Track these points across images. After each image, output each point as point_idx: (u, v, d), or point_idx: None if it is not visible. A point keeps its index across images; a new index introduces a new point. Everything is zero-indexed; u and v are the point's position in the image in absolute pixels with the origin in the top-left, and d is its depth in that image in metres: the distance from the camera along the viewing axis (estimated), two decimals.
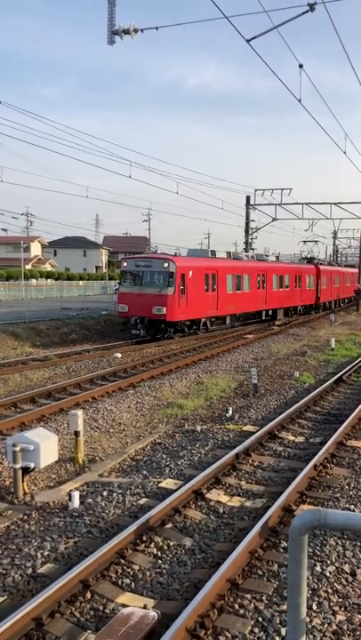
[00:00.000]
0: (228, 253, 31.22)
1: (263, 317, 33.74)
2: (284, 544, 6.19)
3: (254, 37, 11.09)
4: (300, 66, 12.80)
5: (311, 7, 10.75)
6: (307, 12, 10.80)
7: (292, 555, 2.28)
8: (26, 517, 7.00)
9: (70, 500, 7.27)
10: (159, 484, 7.94)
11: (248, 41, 10.78)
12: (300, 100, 14.07)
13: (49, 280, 62.29)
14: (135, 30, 11.39)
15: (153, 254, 29.21)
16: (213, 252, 29.49)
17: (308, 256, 48.16)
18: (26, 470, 7.70)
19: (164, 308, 22.86)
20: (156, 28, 11.73)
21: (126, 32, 11.37)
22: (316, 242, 51.24)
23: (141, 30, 11.61)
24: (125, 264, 25.24)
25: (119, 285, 26.71)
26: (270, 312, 34.28)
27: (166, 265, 23.43)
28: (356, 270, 59.97)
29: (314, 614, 4.89)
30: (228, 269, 28.15)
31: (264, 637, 4.61)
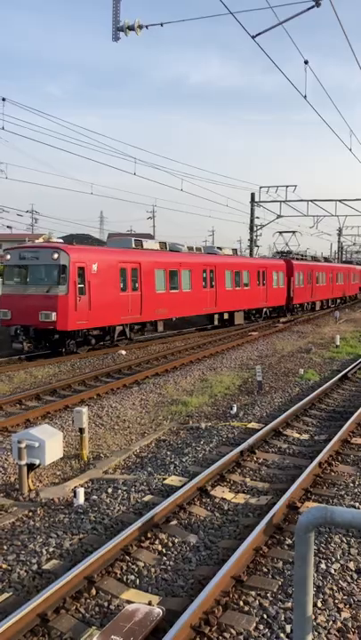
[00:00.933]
0: (163, 244, 25.55)
1: (216, 322, 28.19)
2: (288, 541, 6.19)
3: (260, 33, 11.05)
4: (306, 62, 12.74)
5: (317, 2, 10.70)
6: (313, 7, 10.75)
7: (299, 552, 2.27)
8: (31, 514, 7.02)
9: (75, 496, 7.28)
10: (164, 481, 7.95)
11: (253, 37, 10.73)
12: (305, 97, 14.01)
13: None
14: (140, 26, 11.37)
15: (42, 243, 22.07)
16: (140, 242, 23.52)
17: (285, 250, 41.47)
18: (31, 467, 7.73)
19: (54, 314, 17.51)
20: (161, 24, 11.70)
21: (131, 28, 11.33)
22: (294, 232, 43.89)
23: (146, 27, 11.58)
24: (9, 256, 19.35)
25: (0, 285, 20.94)
26: (225, 315, 28.68)
27: (56, 256, 17.99)
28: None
29: (319, 612, 4.89)
30: (156, 263, 22.56)
31: (269, 634, 4.61)
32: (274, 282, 33.40)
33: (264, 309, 33.31)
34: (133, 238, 24.06)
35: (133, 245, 22.92)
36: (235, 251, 32.65)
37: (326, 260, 50.75)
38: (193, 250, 27.64)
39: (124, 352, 20.28)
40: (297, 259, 39.86)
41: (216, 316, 28.00)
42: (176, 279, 23.98)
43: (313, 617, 4.80)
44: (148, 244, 24.15)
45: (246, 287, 30.19)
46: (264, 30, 11.39)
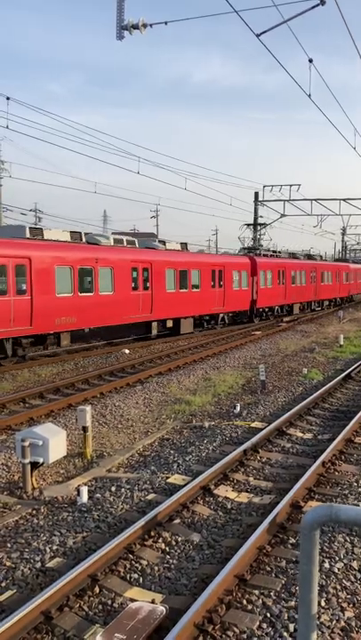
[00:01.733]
0: (77, 234, 20.31)
1: (155, 332, 23.22)
2: (292, 540, 6.18)
3: (264, 32, 11.03)
4: (310, 60, 12.71)
5: (322, 0, 10.67)
6: (318, 5, 10.72)
7: (304, 550, 2.27)
8: (34, 512, 7.04)
9: (79, 495, 7.30)
10: (167, 480, 7.95)
11: (258, 35, 10.72)
12: (309, 96, 13.99)
13: None
14: (144, 25, 11.36)
15: None
16: (38, 231, 18.60)
17: (252, 245, 38.11)
18: (34, 465, 7.74)
19: None
20: (165, 23, 11.69)
21: (135, 27, 11.33)
22: (263, 225, 39.44)
23: (150, 25, 11.57)
24: None
25: None
26: (169, 323, 24.16)
27: None
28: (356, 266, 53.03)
29: (322, 611, 4.88)
30: (57, 259, 17.66)
31: (272, 633, 4.61)
32: (234, 283, 28.32)
33: (221, 315, 28.07)
34: (29, 226, 19.17)
35: (28, 235, 17.85)
36: (184, 245, 26.80)
37: (310, 257, 44.06)
38: (122, 243, 22.24)
39: (127, 351, 20.29)
40: (266, 255, 34.67)
41: (154, 324, 23.23)
42: (91, 279, 19.23)
43: (317, 616, 4.80)
44: (51, 233, 19.01)
45: (196, 289, 25.20)
46: (269, 28, 11.38)
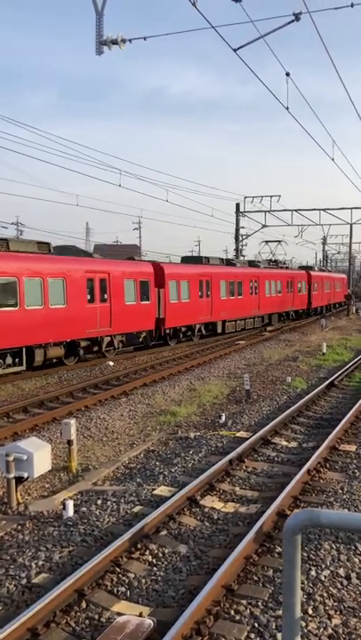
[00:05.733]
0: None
1: (40, 359, 17.58)
2: (278, 549, 6.19)
3: (241, 47, 11.21)
4: (288, 74, 12.94)
5: (297, 17, 10.89)
6: (292, 21, 10.95)
7: (287, 555, 2.30)
8: (20, 527, 6.97)
9: (64, 509, 7.24)
10: (153, 492, 7.93)
11: (235, 50, 10.89)
12: (287, 108, 14.20)
13: None
14: (123, 40, 11.48)
15: None
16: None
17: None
18: (19, 480, 7.67)
19: None
20: (144, 39, 11.83)
21: (114, 42, 11.45)
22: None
23: (129, 40, 11.70)
24: None
25: None
26: (62, 346, 18.65)
27: None
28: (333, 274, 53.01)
29: (310, 618, 4.90)
30: None
31: None
32: (130, 296, 21.75)
33: (107, 339, 20.99)
34: None
35: None
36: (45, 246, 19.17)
37: (252, 264, 36.04)
38: None
39: (111, 363, 20.24)
40: (200, 262, 29.29)
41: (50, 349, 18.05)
42: None
43: (304, 624, 4.81)
44: None
45: (58, 306, 18.15)
46: (246, 44, 11.57)
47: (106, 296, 20.45)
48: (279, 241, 43.53)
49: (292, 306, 38.97)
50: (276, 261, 40.75)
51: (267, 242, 42.87)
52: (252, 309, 32.48)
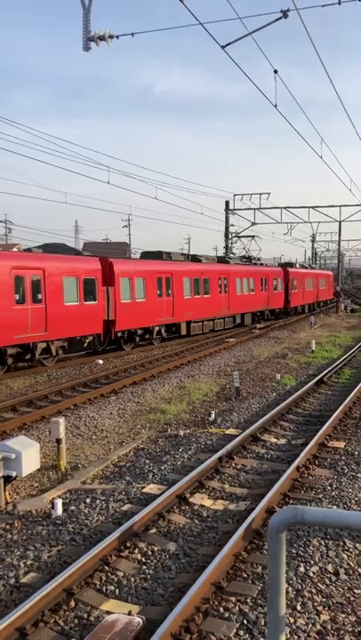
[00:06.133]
0: None
1: None
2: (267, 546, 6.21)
3: (229, 43, 11.20)
4: (275, 71, 12.94)
5: (285, 14, 10.89)
6: (280, 18, 10.94)
7: (272, 552, 2.30)
8: (8, 527, 6.92)
9: (53, 508, 7.21)
10: (143, 490, 7.92)
11: (223, 47, 10.87)
12: (275, 106, 14.21)
13: None
14: (110, 36, 11.43)
15: None
16: None
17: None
18: (7, 479, 7.62)
19: None
20: (132, 35, 11.78)
21: (102, 38, 11.39)
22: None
23: (117, 37, 11.65)
24: None
25: None
26: None
27: None
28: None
29: (298, 614, 4.92)
30: None
31: (249, 639, 4.62)
32: (65, 297, 19.15)
33: (41, 345, 18.41)
34: None
35: None
36: None
37: (222, 260, 33.50)
38: None
39: (101, 361, 20.19)
40: (164, 258, 26.82)
41: None
42: None
43: (293, 620, 4.83)
44: None
45: None
46: (234, 40, 11.55)
47: (40, 296, 17.86)
48: (252, 236, 40.77)
49: (266, 305, 36.07)
50: (249, 257, 38.35)
51: (238, 236, 40.18)
52: (222, 309, 29.93)
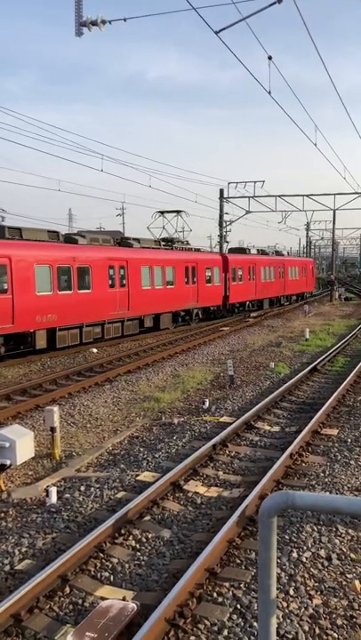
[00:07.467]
0: None
1: None
2: None
3: (223, 29, 11.09)
4: (270, 57, 12.84)
5: None
6: (274, 3, 10.84)
7: (262, 537, 2.32)
8: (3, 515, 6.95)
9: (48, 495, 7.23)
10: (137, 477, 7.95)
11: (217, 32, 10.77)
12: (269, 92, 14.13)
13: None
14: (103, 22, 11.29)
15: None
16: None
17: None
18: (2, 467, 7.63)
19: None
20: (125, 20, 11.65)
21: (94, 24, 11.25)
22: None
23: (109, 22, 11.51)
24: None
25: None
26: None
27: None
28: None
29: (291, 599, 4.97)
30: None
31: (242, 624, 4.67)
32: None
33: None
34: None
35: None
36: None
37: (124, 242, 24.43)
38: None
39: (95, 350, 20.18)
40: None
41: None
42: None
43: (285, 604, 4.88)
44: None
45: None
46: (228, 25, 11.44)
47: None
48: (178, 211, 31.65)
49: (195, 302, 28.37)
50: (171, 240, 29.40)
51: (162, 212, 31.26)
52: (115, 310, 21.91)
